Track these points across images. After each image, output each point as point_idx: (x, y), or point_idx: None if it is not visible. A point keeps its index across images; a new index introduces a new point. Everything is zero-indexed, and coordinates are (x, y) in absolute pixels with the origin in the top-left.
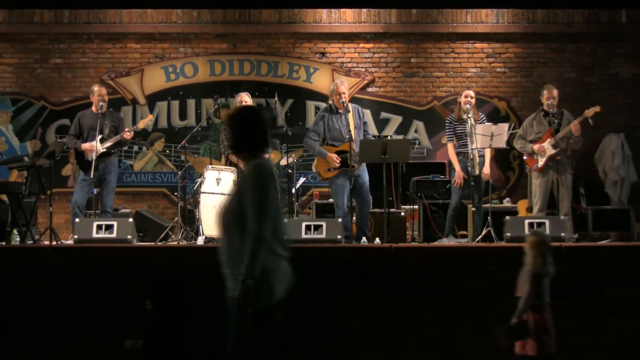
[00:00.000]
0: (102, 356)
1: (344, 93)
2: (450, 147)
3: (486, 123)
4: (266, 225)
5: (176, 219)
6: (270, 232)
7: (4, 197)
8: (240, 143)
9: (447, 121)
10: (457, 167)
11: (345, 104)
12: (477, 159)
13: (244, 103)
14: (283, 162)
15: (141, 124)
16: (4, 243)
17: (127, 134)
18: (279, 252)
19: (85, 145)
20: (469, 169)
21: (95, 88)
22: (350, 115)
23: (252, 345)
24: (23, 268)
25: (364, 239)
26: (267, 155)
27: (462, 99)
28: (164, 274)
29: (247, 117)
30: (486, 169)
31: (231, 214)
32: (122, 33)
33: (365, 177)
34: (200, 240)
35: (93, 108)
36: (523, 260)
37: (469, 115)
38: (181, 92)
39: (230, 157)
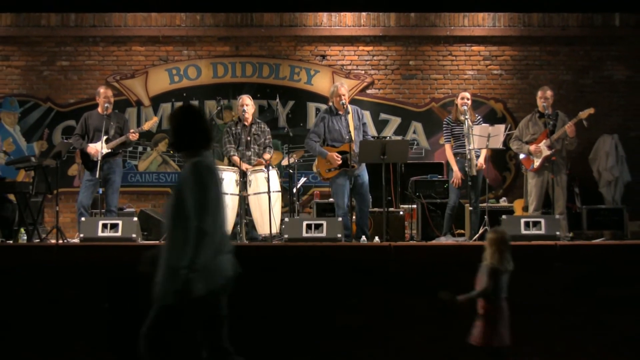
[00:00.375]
0: (103, 353)
1: (344, 95)
2: (447, 147)
3: (483, 124)
4: (207, 220)
5: None
6: (212, 226)
7: (12, 197)
8: (178, 141)
9: (444, 122)
10: (454, 167)
11: (345, 106)
12: (474, 160)
13: (245, 105)
14: (284, 162)
15: (146, 126)
16: (11, 242)
17: (133, 135)
18: (217, 246)
19: (91, 146)
20: (466, 169)
21: (102, 90)
22: (350, 117)
23: (174, 335)
24: (30, 266)
25: (363, 237)
26: (208, 152)
27: (459, 101)
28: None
29: (184, 117)
30: (481, 160)
31: (172, 210)
32: (127, 36)
33: (365, 177)
34: None
35: (99, 109)
36: (482, 255)
37: (466, 117)
38: (185, 94)
39: (234, 160)
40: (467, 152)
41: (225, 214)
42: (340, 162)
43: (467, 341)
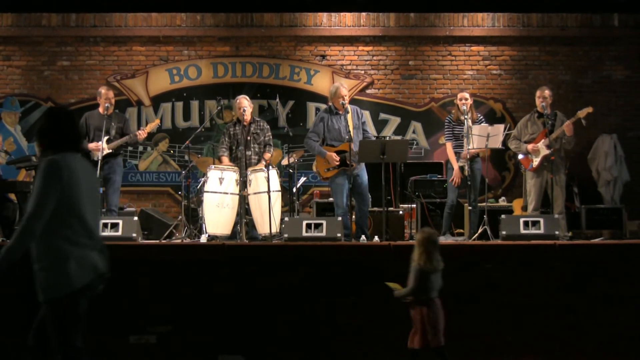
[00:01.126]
0: (108, 350)
1: (345, 95)
2: (449, 146)
3: (482, 124)
4: (38, 218)
5: (180, 217)
6: (39, 227)
7: (13, 196)
8: (40, 141)
9: (446, 121)
10: (455, 166)
11: (345, 106)
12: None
13: (243, 107)
14: (284, 162)
15: (148, 128)
16: None
17: (141, 134)
18: (83, 243)
19: (92, 145)
20: (465, 168)
21: (103, 90)
22: (349, 116)
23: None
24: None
25: (363, 236)
26: (74, 154)
27: (458, 101)
28: None
29: (46, 119)
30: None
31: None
32: (128, 36)
33: (364, 177)
34: (203, 238)
35: (100, 109)
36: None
37: (466, 117)
38: (185, 94)
39: (223, 160)
40: (467, 151)
41: (98, 211)
42: (338, 162)
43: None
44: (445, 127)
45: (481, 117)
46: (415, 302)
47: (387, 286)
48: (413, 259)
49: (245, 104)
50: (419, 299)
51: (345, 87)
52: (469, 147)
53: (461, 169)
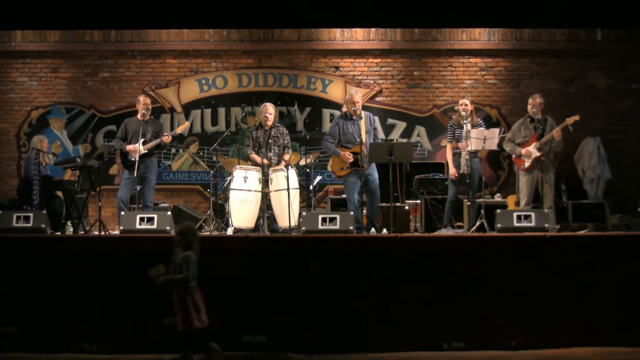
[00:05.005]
0: (144, 332)
1: (357, 102)
2: (449, 147)
3: (480, 128)
4: None
5: (209, 212)
6: None
7: (60, 193)
8: None
9: (449, 125)
10: (451, 165)
11: (357, 112)
12: (467, 160)
13: (268, 113)
14: (302, 162)
15: (179, 130)
16: (59, 233)
17: (166, 138)
18: None
19: (130, 147)
20: (464, 167)
21: (141, 98)
22: (362, 122)
23: None
24: (76, 255)
25: (372, 229)
26: None
27: (459, 107)
28: None
29: None
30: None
31: None
32: (162, 50)
33: (375, 176)
34: (229, 231)
35: (138, 115)
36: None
37: (465, 121)
38: (213, 102)
39: (252, 157)
40: (467, 153)
41: None
42: (351, 159)
43: (178, 329)
44: (448, 130)
45: (481, 121)
46: (183, 288)
47: (151, 274)
48: (178, 251)
49: (271, 111)
50: (186, 287)
51: (359, 95)
52: (468, 149)
53: (459, 167)
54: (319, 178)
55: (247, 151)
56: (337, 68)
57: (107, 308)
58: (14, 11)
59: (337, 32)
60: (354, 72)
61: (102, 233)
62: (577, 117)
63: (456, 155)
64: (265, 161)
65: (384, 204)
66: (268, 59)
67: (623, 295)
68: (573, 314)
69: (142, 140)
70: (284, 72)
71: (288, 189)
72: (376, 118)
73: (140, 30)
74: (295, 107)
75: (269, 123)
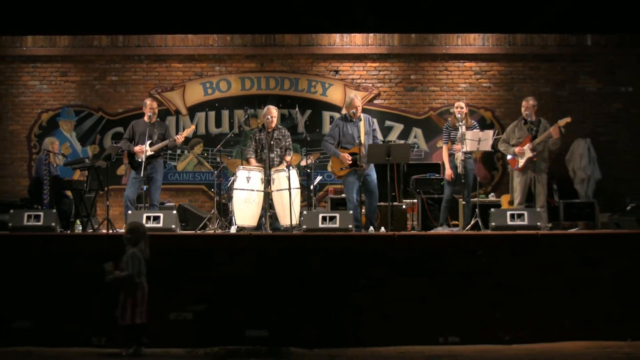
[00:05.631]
0: (151, 326)
1: (358, 106)
2: (444, 148)
3: (474, 130)
4: None
5: (213, 211)
6: None
7: (69, 193)
8: None
9: (445, 127)
10: (447, 165)
11: (357, 115)
12: (462, 161)
13: (271, 115)
14: (303, 163)
15: (185, 133)
16: (68, 231)
17: (179, 138)
18: None
19: (137, 148)
20: (458, 167)
21: (148, 101)
22: (361, 124)
23: None
24: (84, 252)
25: (371, 227)
26: None
27: (455, 109)
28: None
29: None
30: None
31: None
32: (167, 55)
33: (374, 176)
34: (233, 229)
35: (145, 118)
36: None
37: (460, 123)
38: (217, 104)
39: (250, 161)
40: (462, 153)
41: None
42: (350, 161)
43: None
44: (444, 132)
45: (475, 123)
46: (130, 284)
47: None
48: (128, 248)
49: (274, 113)
50: (132, 283)
51: (359, 98)
52: (462, 150)
53: (455, 168)
54: (319, 178)
55: (248, 153)
56: (336, 72)
57: (115, 302)
58: (25, 17)
59: (336, 37)
60: (353, 75)
61: (110, 231)
62: (568, 119)
63: (451, 156)
64: (256, 164)
65: (382, 203)
66: (270, 63)
67: (612, 291)
68: (564, 309)
69: (148, 142)
70: (286, 76)
71: (289, 189)
72: (375, 120)
73: (147, 35)
74: (297, 109)
75: (272, 125)
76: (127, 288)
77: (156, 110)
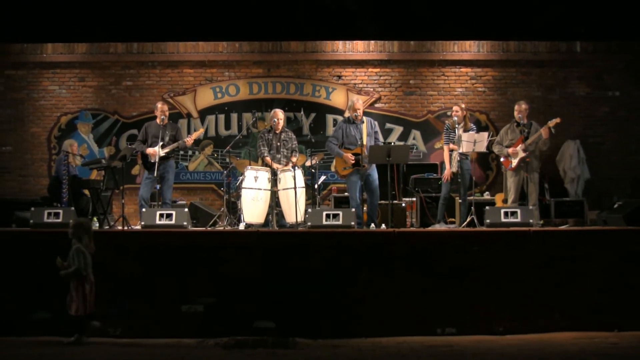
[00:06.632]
0: (164, 318)
1: (359, 109)
2: (445, 149)
3: (470, 132)
4: None
5: (222, 209)
6: None
7: (86, 192)
8: None
9: (444, 129)
10: (447, 166)
11: (359, 117)
12: (458, 161)
13: (278, 118)
14: (307, 163)
15: (194, 136)
16: None
17: (189, 141)
18: None
19: (150, 150)
20: (456, 167)
21: (159, 105)
22: (364, 126)
23: None
24: (101, 248)
25: (372, 225)
26: None
27: (452, 112)
28: None
29: None
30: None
31: None
32: (179, 61)
33: (375, 176)
34: (241, 226)
35: (157, 120)
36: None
37: (457, 126)
38: (226, 108)
39: (266, 160)
40: (458, 154)
41: None
42: (353, 161)
43: (69, 313)
44: (444, 133)
45: (473, 125)
46: (79, 277)
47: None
48: (74, 243)
49: (280, 116)
50: (80, 276)
51: (360, 102)
52: (459, 151)
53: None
54: (323, 178)
55: (263, 153)
56: (339, 77)
57: (130, 295)
58: (45, 26)
59: (339, 44)
60: (355, 80)
61: (125, 228)
62: (558, 120)
63: (451, 156)
64: (277, 165)
65: (382, 202)
66: (276, 69)
67: (600, 285)
68: (555, 302)
69: (160, 143)
70: (291, 81)
71: (295, 188)
72: (376, 123)
73: (160, 42)
74: (302, 112)
75: (279, 127)
76: (75, 281)
77: (167, 113)
